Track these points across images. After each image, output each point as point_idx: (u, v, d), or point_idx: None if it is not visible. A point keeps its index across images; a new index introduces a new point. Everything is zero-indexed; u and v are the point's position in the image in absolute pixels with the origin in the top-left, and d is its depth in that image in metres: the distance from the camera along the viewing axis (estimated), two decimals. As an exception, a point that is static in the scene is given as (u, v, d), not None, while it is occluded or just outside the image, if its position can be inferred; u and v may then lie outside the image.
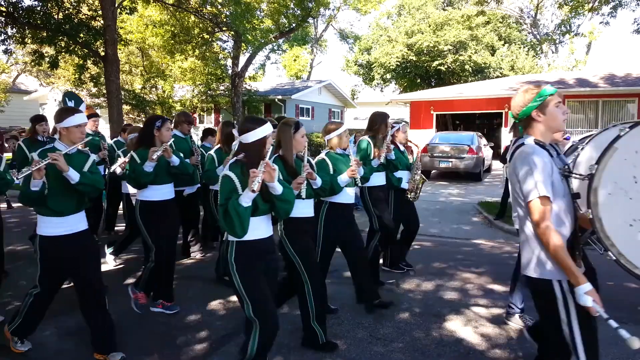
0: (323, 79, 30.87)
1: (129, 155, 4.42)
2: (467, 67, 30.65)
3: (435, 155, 15.11)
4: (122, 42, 15.63)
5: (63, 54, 13.68)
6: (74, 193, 3.31)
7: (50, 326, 4.01)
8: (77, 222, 3.38)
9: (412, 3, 33.75)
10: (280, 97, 23.79)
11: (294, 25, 20.22)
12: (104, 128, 20.16)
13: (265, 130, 2.83)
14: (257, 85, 24.40)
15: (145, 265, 4.52)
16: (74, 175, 3.21)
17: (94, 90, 19.88)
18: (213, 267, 5.87)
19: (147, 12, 18.06)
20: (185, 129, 5.77)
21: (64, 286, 4.96)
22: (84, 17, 13.52)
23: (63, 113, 3.38)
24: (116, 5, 13.07)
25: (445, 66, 30.73)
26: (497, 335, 3.94)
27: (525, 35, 35.51)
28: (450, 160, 14.83)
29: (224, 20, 17.41)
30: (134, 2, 14.92)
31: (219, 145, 5.20)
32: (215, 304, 4.56)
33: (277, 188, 2.77)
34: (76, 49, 13.30)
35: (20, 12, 12.80)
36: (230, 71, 21.01)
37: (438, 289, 5.08)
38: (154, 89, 22.16)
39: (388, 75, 33.75)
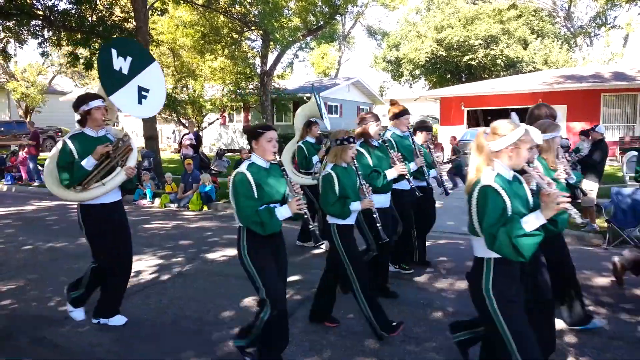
0: (351, 76, 30.75)
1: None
2: (498, 61, 30.05)
3: (467, 152, 14.88)
4: (154, 43, 15.93)
5: (97, 55, 14.01)
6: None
7: (87, 321, 4.11)
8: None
9: (441, -3, 33.26)
10: (308, 94, 23.78)
11: (321, 22, 20.19)
12: (138, 126, 20.53)
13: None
14: (286, 84, 24.48)
15: None
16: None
17: (127, 90, 20.29)
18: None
19: (178, 13, 18.35)
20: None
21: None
22: (116, 19, 13.84)
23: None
24: (148, 7, 13.32)
25: (476, 61, 30.19)
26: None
27: (559, 29, 34.56)
28: (482, 156, 14.54)
29: (253, 19, 17.54)
30: (165, 4, 15.20)
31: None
32: (248, 301, 4.60)
33: None
34: (110, 51, 13.58)
35: (56, 15, 13.20)
36: (259, 70, 21.15)
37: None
38: (184, 89, 22.49)
39: (417, 71, 33.39)
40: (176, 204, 10.67)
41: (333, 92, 25.20)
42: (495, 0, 32.05)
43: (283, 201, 3.30)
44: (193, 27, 18.25)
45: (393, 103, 5.23)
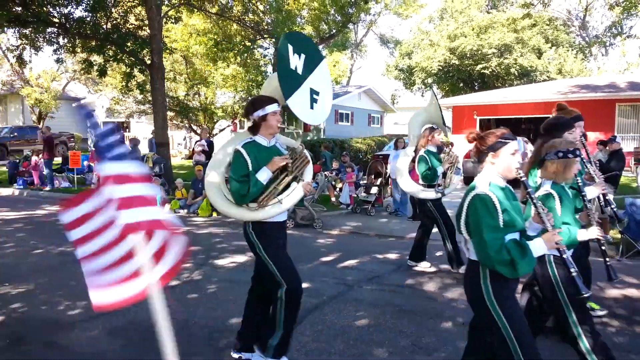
0: (363, 84, 30.80)
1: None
2: (512, 70, 29.91)
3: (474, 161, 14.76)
4: (168, 51, 16.10)
5: (111, 62, 14.20)
6: None
7: (97, 325, 4.12)
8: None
9: (455, 6, 33.26)
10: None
11: (334, 31, 20.28)
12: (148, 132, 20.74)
13: None
14: (297, 91, 24.60)
15: None
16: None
17: (140, 97, 20.52)
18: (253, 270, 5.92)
19: (191, 21, 18.55)
20: None
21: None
22: (131, 27, 14.02)
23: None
24: (162, 15, 13.48)
25: (490, 70, 30.07)
26: (541, 346, 3.77)
27: (574, 38, 34.35)
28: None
29: (266, 27, 17.66)
30: (179, 12, 15.37)
31: None
32: (255, 308, 4.57)
33: None
34: (123, 58, 13.79)
35: (72, 23, 13.41)
36: (270, 77, 21.27)
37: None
38: (196, 96, 22.69)
39: (429, 80, 33.35)
40: (186, 210, 10.71)
41: (344, 100, 25.25)
42: (509, 9, 31.96)
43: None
44: (206, 35, 18.44)
45: (562, 107, 4.36)
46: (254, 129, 3.34)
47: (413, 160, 6.09)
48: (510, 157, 2.56)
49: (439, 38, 32.04)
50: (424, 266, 6.03)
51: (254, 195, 3.16)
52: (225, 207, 3.41)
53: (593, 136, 16.90)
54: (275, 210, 3.23)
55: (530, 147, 16.14)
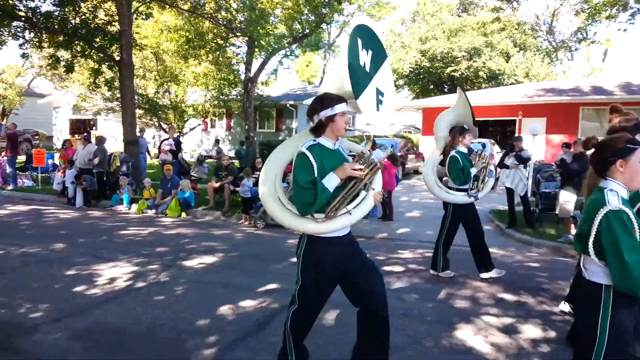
0: (336, 84, 30.82)
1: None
2: (481, 73, 30.50)
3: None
4: (137, 47, 15.80)
5: (79, 58, 13.86)
6: None
7: (59, 328, 4.02)
8: None
9: (427, 9, 33.72)
10: (292, 102, 23.82)
11: (307, 31, 20.25)
12: (118, 130, 20.33)
13: None
14: (269, 91, 24.46)
15: None
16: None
17: (108, 94, 20.09)
18: (222, 271, 5.89)
19: (163, 17, 18.25)
20: None
21: (76, 289, 5.01)
22: (100, 22, 13.71)
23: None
24: (132, 11, 13.23)
25: (459, 72, 30.59)
26: (507, 344, 3.87)
27: (541, 42, 35.25)
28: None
29: (239, 25, 17.52)
30: (150, 8, 15.10)
31: None
32: (224, 309, 4.54)
33: None
34: (92, 53, 13.48)
35: (39, 17, 13.01)
36: (242, 76, 21.12)
37: (449, 297, 5.02)
38: (167, 94, 22.34)
39: (401, 81, 33.70)
40: (154, 210, 10.55)
41: (317, 100, 25.22)
42: (479, 13, 32.58)
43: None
44: (178, 32, 18.16)
45: (617, 109, 4.05)
46: (318, 130, 2.96)
47: (441, 163, 5.68)
48: (639, 164, 2.29)
49: (410, 40, 32.45)
50: (496, 272, 5.60)
51: (320, 204, 2.77)
52: (285, 218, 3.01)
53: (558, 139, 17.42)
54: (344, 222, 2.88)
55: (497, 149, 16.49)
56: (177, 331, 4.07)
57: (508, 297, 5.03)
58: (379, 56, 3.42)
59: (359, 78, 3.08)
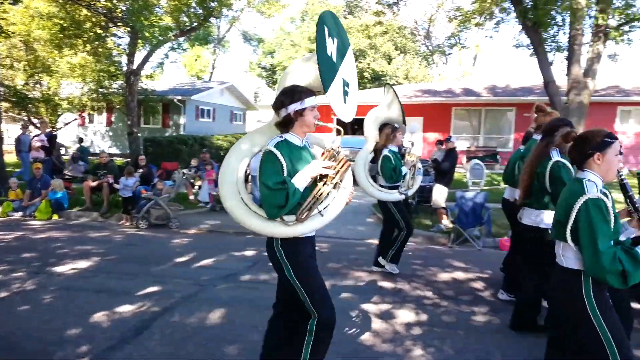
0: (225, 80, 30.34)
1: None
2: (365, 74, 31.86)
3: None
4: (3, 35, 14.23)
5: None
6: None
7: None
8: None
9: (315, 9, 34.44)
10: (179, 97, 22.97)
11: (195, 24, 19.64)
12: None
13: None
14: (155, 85, 23.34)
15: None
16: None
17: (-34, 85, 17.85)
18: (97, 276, 5.54)
19: (34, 3, 16.58)
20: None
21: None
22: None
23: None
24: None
25: (346, 72, 31.66)
26: (384, 330, 4.11)
27: (419, 46, 37.69)
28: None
29: (120, 15, 16.47)
30: (17, -9, 13.66)
31: None
32: (98, 316, 4.27)
33: None
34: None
35: None
36: (125, 68, 19.94)
37: (332, 288, 5.19)
38: (37, 85, 20.39)
39: (291, 79, 34.05)
40: (21, 213, 9.59)
41: (206, 95, 24.63)
42: (364, 15, 33.97)
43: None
44: (51, 19, 16.61)
45: (542, 109, 4.38)
46: (285, 125, 2.76)
47: (372, 161, 5.64)
48: (615, 157, 2.47)
49: (300, 39, 32.94)
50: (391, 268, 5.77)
51: (291, 206, 2.58)
52: (252, 222, 2.77)
53: (433, 136, 18.81)
54: (316, 224, 2.71)
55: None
56: (43, 343, 3.76)
57: (386, 285, 5.34)
58: (344, 44, 3.20)
59: (328, 70, 2.86)
